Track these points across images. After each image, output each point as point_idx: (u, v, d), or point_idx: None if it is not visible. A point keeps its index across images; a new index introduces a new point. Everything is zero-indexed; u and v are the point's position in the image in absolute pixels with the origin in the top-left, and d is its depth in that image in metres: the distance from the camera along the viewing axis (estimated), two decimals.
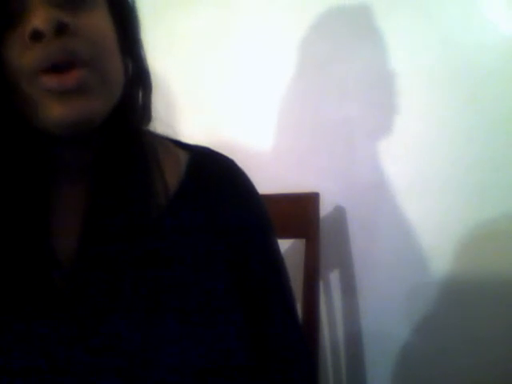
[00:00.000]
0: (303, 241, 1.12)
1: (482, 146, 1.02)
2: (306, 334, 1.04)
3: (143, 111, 0.60)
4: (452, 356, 1.07)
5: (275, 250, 0.69)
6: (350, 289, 1.18)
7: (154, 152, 0.60)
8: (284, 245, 1.18)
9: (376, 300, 1.15)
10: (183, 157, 0.64)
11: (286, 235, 1.13)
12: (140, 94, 0.59)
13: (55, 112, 0.49)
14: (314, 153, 1.19)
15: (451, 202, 1.05)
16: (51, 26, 0.47)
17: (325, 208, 1.16)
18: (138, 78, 0.58)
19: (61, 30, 0.48)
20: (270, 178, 1.18)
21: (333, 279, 1.21)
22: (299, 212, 1.13)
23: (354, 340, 1.19)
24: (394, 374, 1.16)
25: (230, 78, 1.26)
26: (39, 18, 0.47)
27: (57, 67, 0.48)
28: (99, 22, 0.52)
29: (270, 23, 1.20)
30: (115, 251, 0.54)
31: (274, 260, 0.69)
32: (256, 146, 1.24)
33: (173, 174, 0.61)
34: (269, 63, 1.22)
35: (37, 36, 0.47)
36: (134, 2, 0.58)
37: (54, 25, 0.47)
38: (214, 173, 0.64)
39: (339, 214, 1.17)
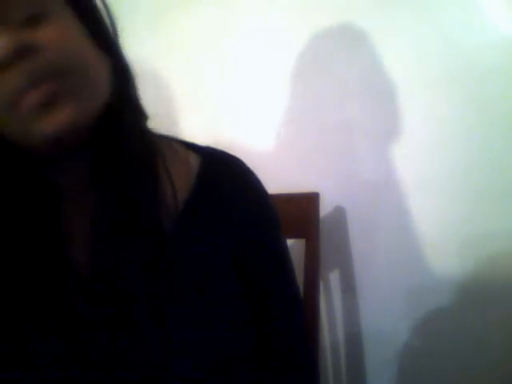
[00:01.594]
0: (303, 241, 1.12)
1: (482, 146, 1.02)
2: (306, 333, 1.05)
3: (134, 108, 0.58)
4: (452, 356, 1.08)
5: (283, 248, 0.71)
6: (349, 289, 1.18)
7: (164, 159, 0.59)
8: None
9: (376, 300, 1.15)
10: (194, 161, 0.63)
11: (286, 235, 1.12)
12: (125, 91, 0.57)
13: (40, 128, 0.48)
14: (314, 153, 1.19)
15: (451, 201, 1.05)
16: (7, 51, 0.44)
17: (325, 208, 1.16)
18: (116, 73, 0.55)
19: (21, 53, 0.45)
20: (270, 178, 1.17)
21: (333, 279, 1.21)
22: (299, 212, 1.13)
23: (354, 340, 1.19)
24: (393, 374, 1.16)
25: (230, 78, 1.26)
26: None
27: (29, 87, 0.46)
28: (63, 31, 0.49)
29: (270, 23, 1.20)
30: (127, 262, 0.54)
31: (282, 257, 0.70)
32: (256, 145, 1.24)
33: (183, 180, 0.61)
34: (269, 63, 1.22)
35: None
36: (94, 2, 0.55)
37: (9, 49, 0.44)
38: (224, 177, 0.64)
39: (339, 214, 1.17)
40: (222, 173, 0.64)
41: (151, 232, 0.55)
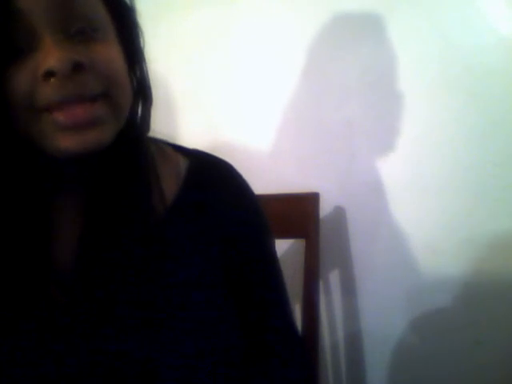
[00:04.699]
0: (303, 241, 1.12)
1: (482, 147, 1.02)
2: (305, 333, 1.05)
3: (142, 124, 0.60)
4: (451, 356, 1.07)
5: (270, 248, 0.70)
6: (349, 289, 1.18)
7: (153, 161, 0.60)
8: (284, 245, 1.19)
9: (376, 300, 1.15)
10: (182, 163, 0.65)
11: (286, 235, 1.13)
12: (140, 107, 0.59)
13: (65, 143, 0.49)
14: (314, 153, 1.18)
15: (451, 202, 1.05)
16: (66, 66, 0.47)
17: (325, 208, 1.16)
18: (139, 92, 0.58)
19: (75, 69, 0.48)
20: (270, 178, 1.18)
21: (333, 279, 1.20)
22: (299, 212, 1.13)
23: (354, 340, 1.19)
24: (393, 375, 1.16)
25: (230, 78, 1.26)
26: (53, 58, 0.47)
27: (68, 101, 0.49)
28: (111, 52, 0.52)
29: (271, 24, 1.20)
30: (112, 261, 0.54)
31: (268, 258, 0.70)
32: (256, 146, 1.24)
33: (172, 181, 0.62)
34: (269, 63, 1.22)
35: (51, 75, 0.47)
36: (135, 14, 0.58)
37: (68, 65, 0.47)
38: (212, 179, 0.65)
39: (339, 213, 1.17)
40: (210, 174, 0.65)
41: (138, 231, 0.56)
